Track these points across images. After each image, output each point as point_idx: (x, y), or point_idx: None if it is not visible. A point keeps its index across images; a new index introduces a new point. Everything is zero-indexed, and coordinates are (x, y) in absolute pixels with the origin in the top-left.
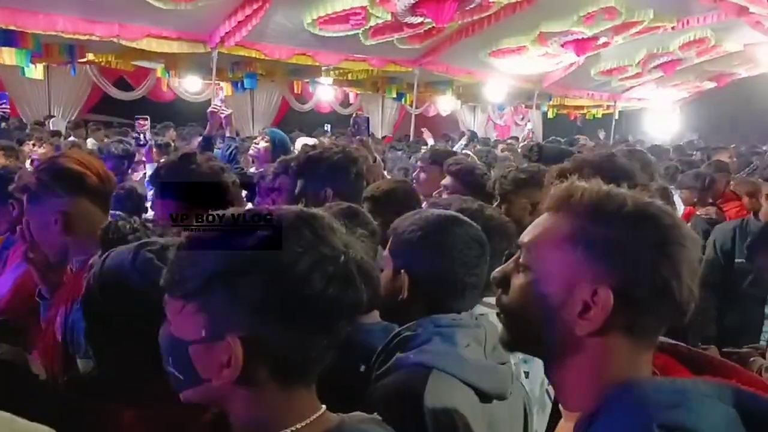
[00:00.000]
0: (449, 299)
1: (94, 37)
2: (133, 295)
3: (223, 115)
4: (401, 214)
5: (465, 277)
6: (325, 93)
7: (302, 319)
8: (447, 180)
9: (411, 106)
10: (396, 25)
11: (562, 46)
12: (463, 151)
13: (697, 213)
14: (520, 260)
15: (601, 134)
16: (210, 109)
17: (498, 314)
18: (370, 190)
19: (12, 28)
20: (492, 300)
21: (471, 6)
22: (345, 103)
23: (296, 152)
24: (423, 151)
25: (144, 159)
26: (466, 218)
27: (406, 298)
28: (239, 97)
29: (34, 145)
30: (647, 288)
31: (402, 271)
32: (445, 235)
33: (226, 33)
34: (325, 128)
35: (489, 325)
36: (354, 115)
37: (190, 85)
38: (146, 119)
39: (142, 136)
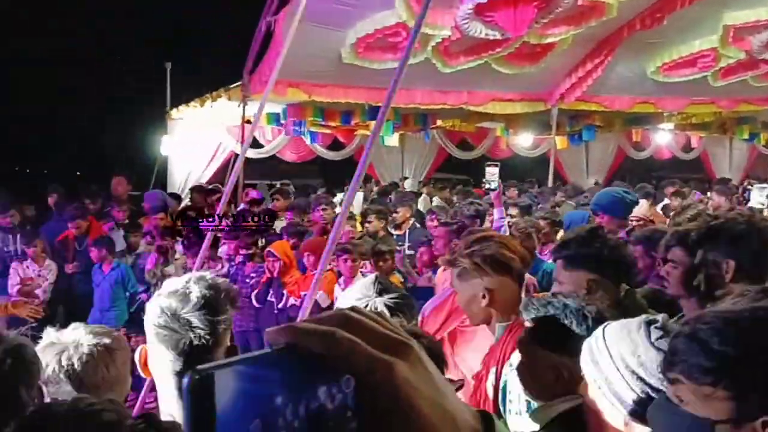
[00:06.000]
0: None
1: (445, 106)
2: None
3: None
4: None
5: None
6: (663, 138)
7: None
8: None
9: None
10: (750, 63)
11: None
12: None
13: None
14: None
15: None
16: None
17: None
18: None
19: (379, 104)
20: None
21: None
22: (686, 147)
23: None
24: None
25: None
26: None
27: None
28: (573, 148)
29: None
30: None
31: None
32: None
33: (566, 89)
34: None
35: None
36: None
37: (524, 141)
38: (497, 165)
39: (492, 183)
